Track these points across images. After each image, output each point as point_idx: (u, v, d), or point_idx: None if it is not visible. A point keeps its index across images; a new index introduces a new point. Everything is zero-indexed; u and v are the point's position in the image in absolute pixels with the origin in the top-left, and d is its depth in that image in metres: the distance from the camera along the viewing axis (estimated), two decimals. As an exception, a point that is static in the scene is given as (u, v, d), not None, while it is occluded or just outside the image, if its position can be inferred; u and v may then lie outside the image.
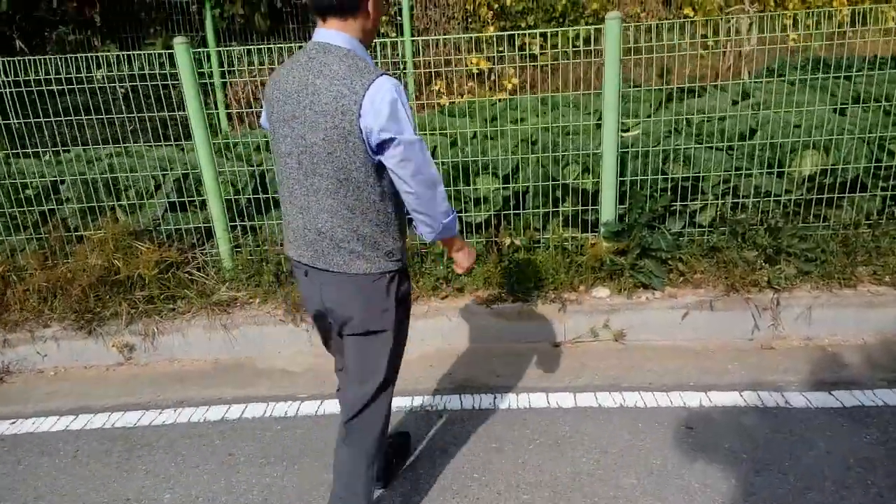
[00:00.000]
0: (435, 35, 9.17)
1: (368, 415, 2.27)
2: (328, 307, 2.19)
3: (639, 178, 4.12)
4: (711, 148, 4.35)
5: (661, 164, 4.23)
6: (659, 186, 4.15)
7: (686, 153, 4.22)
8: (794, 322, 3.83)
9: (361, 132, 1.92)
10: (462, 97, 8.93)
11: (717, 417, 3.09)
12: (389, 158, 1.94)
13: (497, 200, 4.27)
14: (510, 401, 3.36)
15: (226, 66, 7.83)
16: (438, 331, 4.04)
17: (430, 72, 7.14)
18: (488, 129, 4.66)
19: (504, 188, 4.28)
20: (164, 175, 4.57)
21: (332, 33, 1.99)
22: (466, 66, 8.83)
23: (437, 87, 9.15)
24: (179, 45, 3.86)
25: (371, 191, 2.02)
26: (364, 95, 1.89)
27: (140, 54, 4.21)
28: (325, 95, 1.92)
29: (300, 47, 3.74)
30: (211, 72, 7.72)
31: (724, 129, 4.55)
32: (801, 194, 4.10)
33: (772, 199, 4.10)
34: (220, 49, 4.80)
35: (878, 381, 3.34)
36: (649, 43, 4.14)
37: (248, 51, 4.98)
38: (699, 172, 4.13)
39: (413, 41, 8.67)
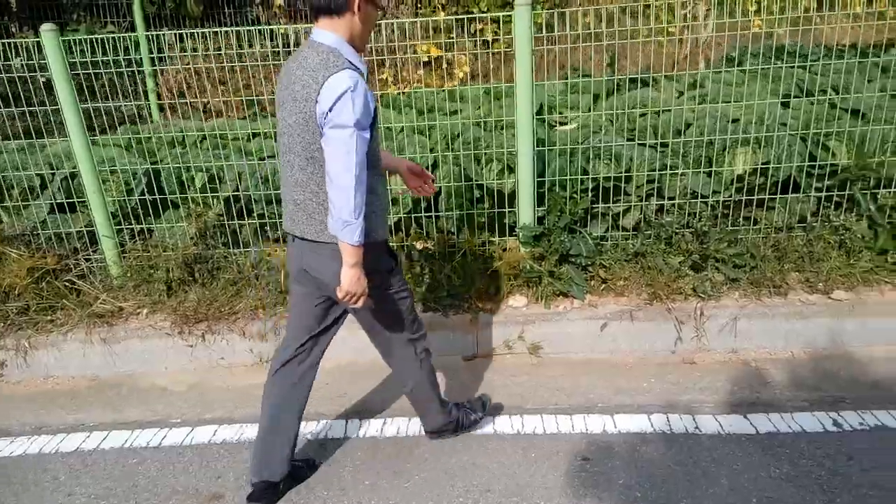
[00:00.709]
0: (382, 20, 8.80)
1: (400, 363, 2.73)
2: (307, 272, 2.39)
3: (557, 178, 3.82)
4: (644, 145, 4.06)
5: (586, 162, 3.94)
6: (579, 187, 3.85)
7: (614, 150, 3.92)
8: (719, 334, 3.56)
9: (317, 117, 2.10)
10: (411, 86, 8.60)
11: (619, 447, 2.81)
12: (323, 139, 2.13)
13: (407, 202, 3.95)
14: (400, 426, 3.06)
15: (155, 52, 7.47)
16: (346, 344, 3.73)
17: (377, 59, 6.79)
18: (415, 123, 4.33)
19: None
20: (52, 173, 4.21)
21: (321, 32, 2.17)
22: (416, 53, 8.48)
23: (384, 76, 8.79)
24: (47, 31, 3.48)
25: None
26: (323, 84, 2.07)
27: (9, 42, 3.82)
28: (298, 84, 2.14)
29: (237, 33, 3.80)
30: (140, 59, 7.31)
31: (658, 125, 4.27)
32: (731, 195, 3.82)
33: (699, 200, 3.82)
34: (150, 35, 4.43)
35: (800, 402, 3.08)
36: (589, 30, 3.82)
37: (180, 36, 4.61)
38: (621, 172, 3.83)
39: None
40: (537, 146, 4.06)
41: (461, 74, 8.59)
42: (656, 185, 3.85)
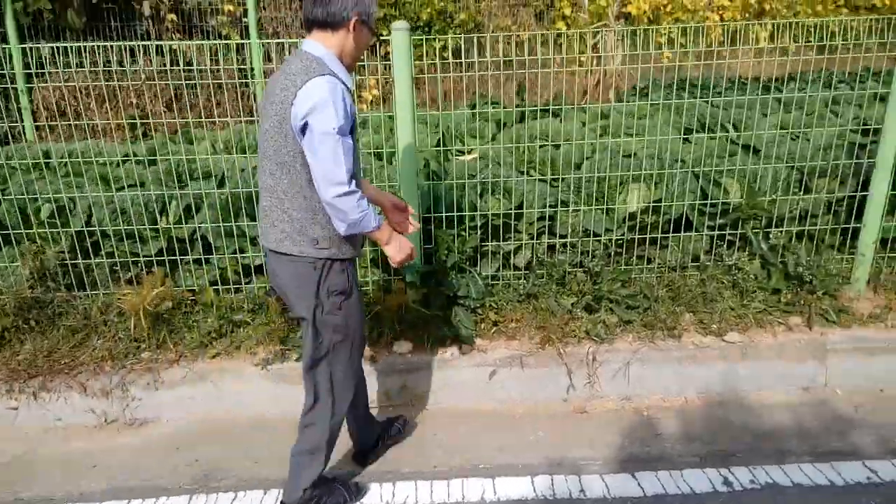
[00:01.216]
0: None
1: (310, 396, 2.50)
2: (274, 281, 2.41)
3: (444, 214, 3.57)
4: (541, 180, 3.87)
5: (479, 197, 3.71)
6: (468, 224, 3.61)
7: (503, 185, 3.70)
8: (613, 379, 3.37)
9: (292, 119, 2.10)
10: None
11: (496, 518, 2.54)
12: (304, 144, 2.12)
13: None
14: (252, 501, 2.69)
15: (33, 67, 6.85)
16: (200, 401, 3.33)
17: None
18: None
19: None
20: None
21: (311, 43, 2.20)
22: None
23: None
24: None
25: (298, 175, 2.18)
26: (301, 88, 2.08)
27: None
28: (277, 88, 2.15)
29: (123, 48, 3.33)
30: (13, 74, 6.68)
31: (556, 157, 4.10)
32: (623, 233, 3.66)
33: (591, 238, 3.64)
34: (25, 47, 3.92)
35: (691, 456, 2.90)
36: (498, 58, 3.61)
37: (60, 50, 4.13)
38: (511, 208, 3.61)
39: (262, 45, 7.86)
40: (428, 178, 3.81)
41: (370, 97, 8.32)
42: (548, 223, 3.65)
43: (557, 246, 3.67)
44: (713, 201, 3.64)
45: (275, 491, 2.72)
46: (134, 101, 7.47)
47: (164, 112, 7.39)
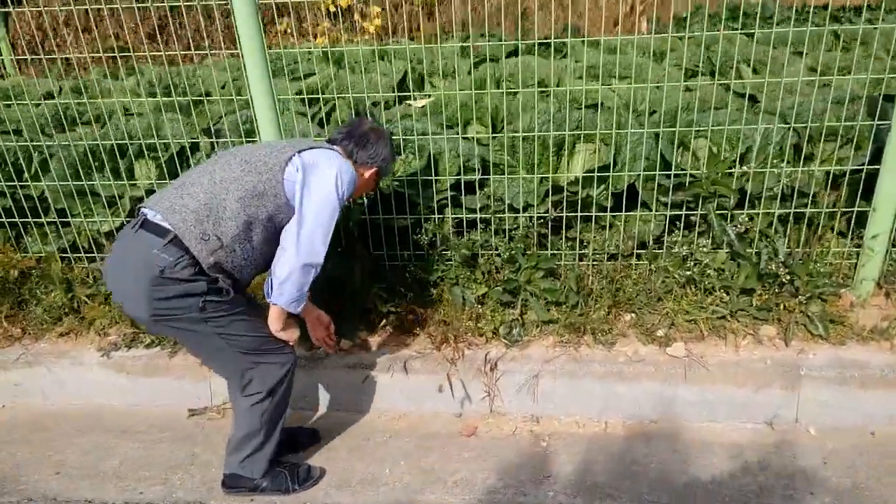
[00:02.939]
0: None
1: None
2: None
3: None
4: (468, 138, 3.12)
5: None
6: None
7: (421, 143, 2.98)
8: (518, 394, 2.69)
9: (291, 167, 2.08)
10: (317, 39, 7.54)
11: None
12: (299, 199, 2.06)
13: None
14: None
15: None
16: (28, 388, 2.89)
17: (275, 4, 5.74)
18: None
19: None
20: None
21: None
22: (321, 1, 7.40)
23: (283, 27, 7.73)
24: None
25: (265, 210, 2.10)
26: (315, 149, 2.17)
27: None
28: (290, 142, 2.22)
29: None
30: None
31: (500, 109, 3.33)
32: (549, 209, 2.88)
33: (512, 213, 2.89)
34: None
35: (578, 513, 2.23)
36: None
37: None
38: (415, 173, 2.90)
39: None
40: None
41: (372, 28, 7.53)
42: (463, 191, 2.92)
43: (466, 222, 2.94)
44: (675, 172, 2.79)
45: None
46: (113, 32, 7.00)
47: (147, 43, 6.90)
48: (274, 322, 2.14)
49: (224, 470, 2.30)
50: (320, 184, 2.04)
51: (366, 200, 2.90)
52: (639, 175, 2.83)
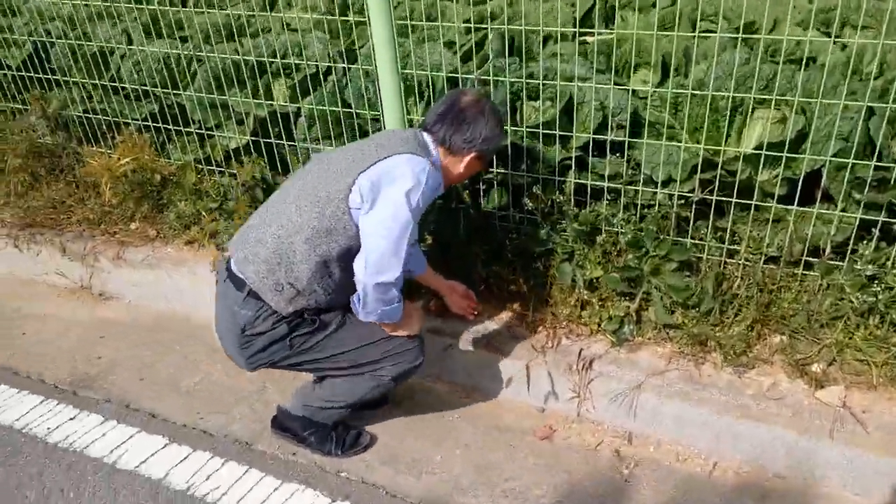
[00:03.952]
0: None
1: None
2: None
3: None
4: (624, 88, 2.62)
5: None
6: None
7: (561, 88, 2.54)
8: (612, 403, 2.27)
9: (359, 186, 1.90)
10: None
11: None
12: (364, 217, 1.89)
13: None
14: (67, 431, 2.34)
15: None
16: (151, 289, 3.06)
17: None
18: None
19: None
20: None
21: (426, 135, 2.02)
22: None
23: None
24: None
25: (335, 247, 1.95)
26: (389, 157, 1.90)
27: None
28: (363, 146, 1.99)
29: None
30: None
31: (673, 55, 2.74)
32: (695, 188, 2.30)
33: (657, 190, 2.37)
34: None
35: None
36: None
37: None
38: (538, 124, 2.48)
39: None
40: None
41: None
42: (591, 156, 2.45)
43: (592, 191, 2.46)
44: (881, 163, 2.06)
45: (112, 422, 2.34)
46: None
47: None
48: (384, 327, 2.01)
49: (283, 406, 2.21)
50: (387, 203, 1.82)
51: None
52: (828, 160, 2.14)
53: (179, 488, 2.06)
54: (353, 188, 1.83)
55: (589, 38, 3.15)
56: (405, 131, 2.04)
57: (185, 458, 2.17)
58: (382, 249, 1.79)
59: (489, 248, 2.58)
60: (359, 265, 1.81)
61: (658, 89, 2.57)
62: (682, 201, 2.30)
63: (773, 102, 2.23)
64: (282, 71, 3.00)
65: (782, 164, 2.19)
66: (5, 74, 3.42)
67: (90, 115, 3.27)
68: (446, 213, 2.57)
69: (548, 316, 2.44)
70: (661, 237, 2.32)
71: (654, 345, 2.33)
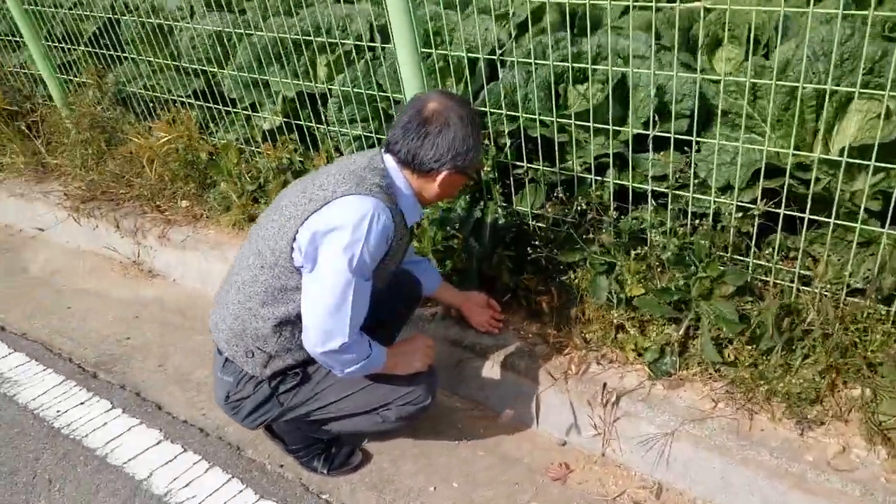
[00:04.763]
0: None
1: None
2: None
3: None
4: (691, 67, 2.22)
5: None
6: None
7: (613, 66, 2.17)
8: (642, 447, 1.93)
9: (302, 234, 1.68)
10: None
11: None
12: (306, 273, 1.68)
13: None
14: (77, 416, 2.32)
15: None
16: (189, 270, 3.03)
17: None
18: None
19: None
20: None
21: (390, 159, 1.70)
22: None
23: None
24: None
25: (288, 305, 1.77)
26: (334, 200, 1.62)
27: None
28: (311, 185, 1.74)
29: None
30: None
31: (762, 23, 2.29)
32: (765, 201, 1.86)
33: (712, 198, 1.95)
34: None
35: None
36: None
37: None
38: (587, 108, 2.13)
39: None
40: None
41: None
42: (639, 151, 2.06)
43: (635, 194, 2.08)
44: None
45: (118, 410, 2.30)
46: None
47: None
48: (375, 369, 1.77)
49: None
50: (324, 264, 1.57)
51: (508, 141, 2.23)
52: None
53: (157, 493, 1.98)
54: (293, 245, 1.60)
55: (692, 4, 2.67)
56: (361, 156, 1.72)
57: (172, 459, 2.09)
58: (319, 320, 1.57)
59: (517, 255, 2.27)
60: (304, 335, 1.61)
61: (734, 78, 2.12)
62: (742, 214, 1.87)
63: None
64: (327, 47, 2.80)
65: (870, 172, 1.71)
66: (74, 49, 3.48)
67: (144, 92, 3.26)
68: (469, 210, 2.29)
69: (577, 336, 2.11)
70: (713, 255, 1.91)
71: (699, 382, 1.95)
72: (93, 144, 3.43)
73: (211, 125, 3.14)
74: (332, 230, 1.55)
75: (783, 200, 1.77)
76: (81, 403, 2.34)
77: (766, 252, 1.91)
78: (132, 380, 2.46)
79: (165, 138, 2.97)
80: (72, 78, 3.54)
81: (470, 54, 2.26)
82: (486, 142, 2.21)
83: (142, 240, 3.13)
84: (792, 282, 1.87)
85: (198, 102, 3.08)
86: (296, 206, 1.64)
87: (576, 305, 2.17)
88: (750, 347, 1.87)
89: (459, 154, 1.63)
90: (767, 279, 1.91)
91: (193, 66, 3.05)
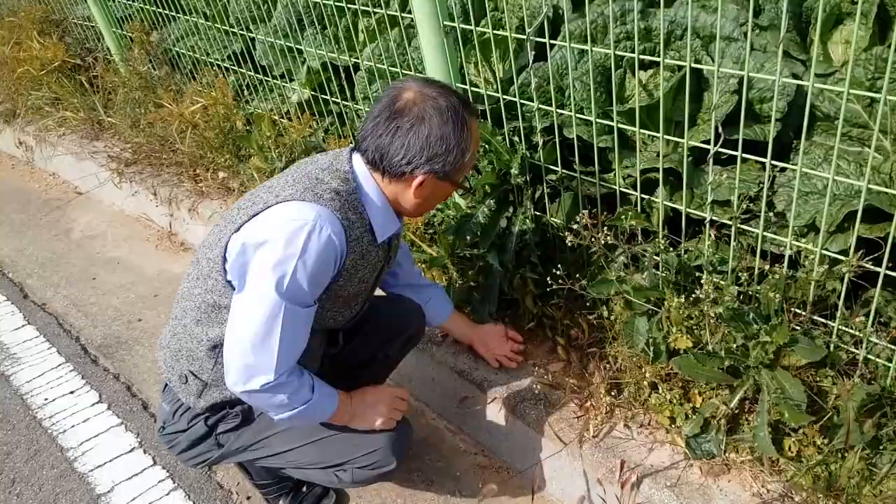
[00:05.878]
0: None
1: None
2: None
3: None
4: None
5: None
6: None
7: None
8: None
9: (231, 248, 1.45)
10: None
11: None
12: (235, 293, 1.43)
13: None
14: (73, 399, 2.20)
15: None
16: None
17: None
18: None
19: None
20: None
21: (359, 161, 1.38)
22: None
23: None
24: None
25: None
26: (273, 206, 1.36)
27: None
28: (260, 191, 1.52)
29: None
30: None
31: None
32: (860, 256, 1.36)
33: (788, 240, 1.48)
34: None
35: None
36: None
37: None
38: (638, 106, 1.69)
39: None
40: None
41: None
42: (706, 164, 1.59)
43: (689, 220, 1.62)
44: None
45: (103, 405, 2.16)
46: None
47: None
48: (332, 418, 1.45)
49: None
50: (250, 285, 1.27)
51: (540, 141, 1.81)
52: None
53: (113, 511, 1.81)
54: (225, 256, 1.32)
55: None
56: (325, 155, 1.41)
57: (138, 473, 1.92)
58: (240, 352, 1.27)
59: (542, 279, 1.88)
60: (225, 374, 1.32)
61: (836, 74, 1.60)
62: (828, 265, 1.39)
63: None
64: (372, 12, 2.45)
65: None
66: (131, 4, 3.34)
67: (185, 52, 3.07)
68: (493, 217, 1.91)
69: (602, 387, 1.72)
70: (784, 315, 1.44)
71: (747, 472, 1.52)
72: (143, 105, 3.31)
73: (245, 93, 2.90)
74: (262, 243, 1.26)
75: (885, 255, 1.28)
76: (71, 392, 2.23)
77: (859, 316, 1.42)
78: (128, 369, 2.33)
79: (199, 104, 2.77)
80: (126, 34, 3.42)
81: (496, 32, 1.84)
82: (507, 140, 1.81)
83: (175, 210, 2.99)
84: (889, 360, 1.38)
85: (234, 67, 2.84)
86: (239, 210, 1.36)
87: (607, 347, 1.76)
88: (821, 439, 1.41)
89: (437, 155, 1.29)
90: (856, 351, 1.43)
91: (232, 29, 2.80)
